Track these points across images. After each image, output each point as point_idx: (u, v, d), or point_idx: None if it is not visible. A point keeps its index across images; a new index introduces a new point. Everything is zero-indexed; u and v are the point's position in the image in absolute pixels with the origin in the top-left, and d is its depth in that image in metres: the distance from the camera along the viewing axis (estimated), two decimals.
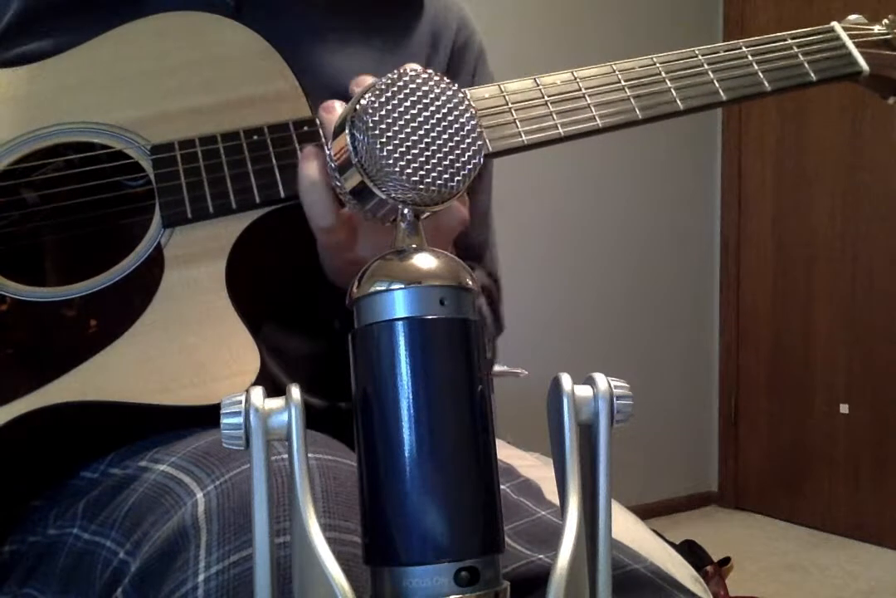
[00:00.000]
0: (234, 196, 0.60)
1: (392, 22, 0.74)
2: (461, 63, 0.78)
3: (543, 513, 0.64)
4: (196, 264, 0.58)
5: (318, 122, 0.62)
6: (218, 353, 0.56)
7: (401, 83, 0.34)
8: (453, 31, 0.78)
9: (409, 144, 0.33)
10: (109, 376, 0.55)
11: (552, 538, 0.59)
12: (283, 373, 0.66)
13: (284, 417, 0.32)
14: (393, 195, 0.34)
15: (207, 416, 0.51)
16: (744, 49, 0.72)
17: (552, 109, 0.66)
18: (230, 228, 0.60)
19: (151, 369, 0.55)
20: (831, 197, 2.66)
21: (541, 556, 0.57)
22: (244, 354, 0.56)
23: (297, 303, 0.68)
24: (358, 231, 0.57)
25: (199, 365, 0.55)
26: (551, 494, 0.67)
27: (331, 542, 0.30)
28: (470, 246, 0.76)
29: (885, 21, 0.78)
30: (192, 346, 0.56)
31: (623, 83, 0.68)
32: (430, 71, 0.34)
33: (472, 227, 0.70)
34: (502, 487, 0.64)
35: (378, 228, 0.53)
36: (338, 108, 0.57)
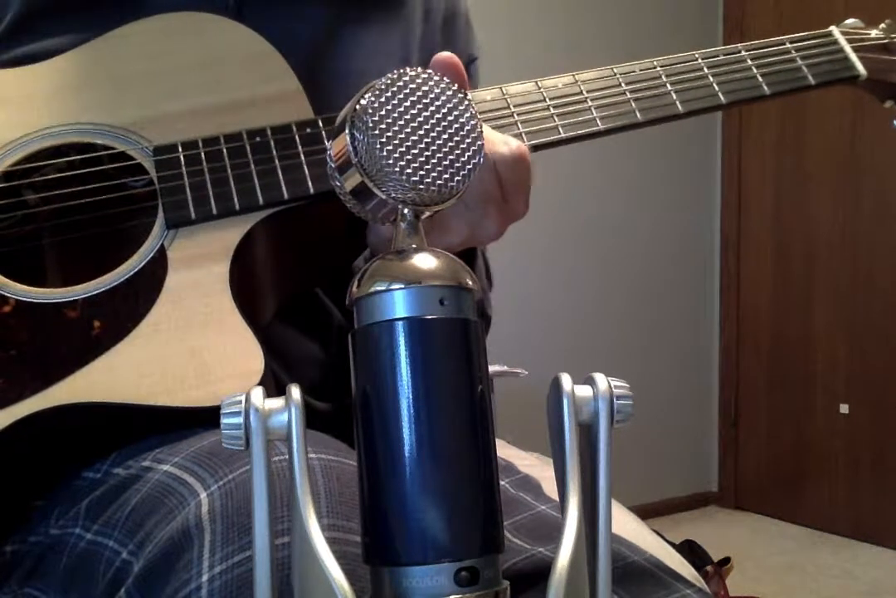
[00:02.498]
0: (238, 197, 0.60)
1: (386, 6, 0.74)
2: (453, 31, 0.79)
3: (543, 507, 0.64)
4: (200, 266, 0.59)
5: (319, 124, 0.62)
6: (222, 354, 0.56)
7: (400, 83, 0.34)
8: (442, 1, 0.79)
9: (409, 144, 0.33)
10: (113, 377, 0.55)
11: (553, 532, 0.59)
12: (286, 375, 0.66)
13: (284, 417, 0.31)
14: (393, 195, 0.33)
15: (212, 417, 0.51)
16: (743, 53, 0.73)
17: (554, 112, 0.66)
18: (234, 230, 0.60)
19: (155, 371, 0.55)
20: (831, 197, 2.66)
21: (541, 549, 0.57)
22: (248, 355, 0.56)
23: (300, 305, 0.68)
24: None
25: (204, 366, 0.55)
26: (551, 493, 0.67)
27: (334, 542, 0.30)
28: None
29: (883, 25, 0.79)
30: (196, 347, 0.56)
31: (624, 86, 0.69)
32: (429, 71, 0.34)
33: None
34: (501, 483, 0.64)
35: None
36: None
